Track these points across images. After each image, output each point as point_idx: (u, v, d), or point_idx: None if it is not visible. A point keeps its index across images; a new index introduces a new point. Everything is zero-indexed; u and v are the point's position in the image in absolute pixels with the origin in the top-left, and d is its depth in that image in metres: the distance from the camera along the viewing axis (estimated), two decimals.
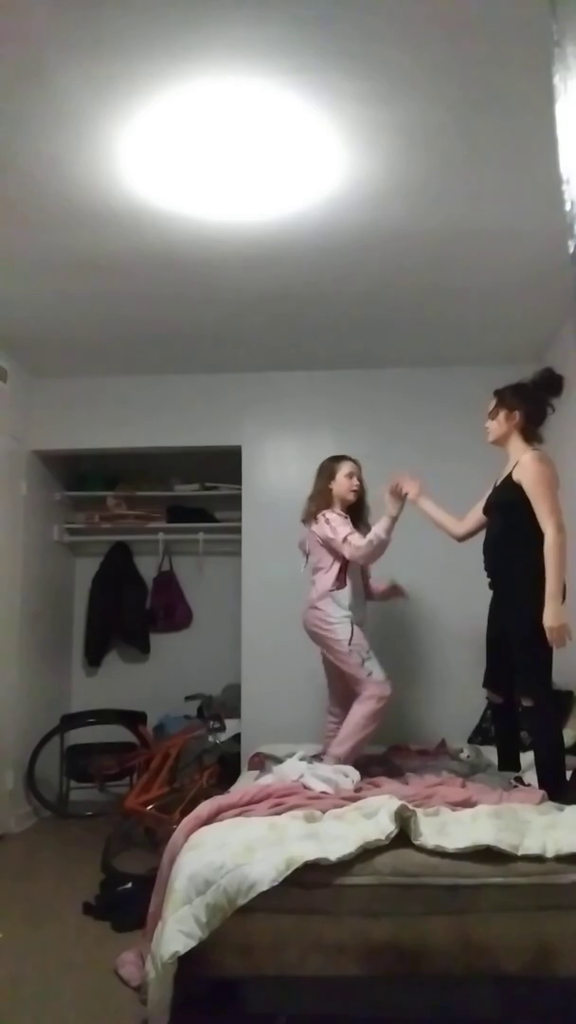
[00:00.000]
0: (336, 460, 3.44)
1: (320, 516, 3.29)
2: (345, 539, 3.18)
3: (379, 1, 1.97)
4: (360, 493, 3.41)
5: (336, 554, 3.25)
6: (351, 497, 3.38)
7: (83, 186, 2.72)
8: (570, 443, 4.13)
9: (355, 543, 3.17)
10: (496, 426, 2.96)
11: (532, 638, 2.63)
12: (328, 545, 3.27)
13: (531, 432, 2.92)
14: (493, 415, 2.98)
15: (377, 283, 3.54)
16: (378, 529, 3.14)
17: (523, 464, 2.78)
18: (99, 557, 5.31)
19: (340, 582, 3.25)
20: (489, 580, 2.93)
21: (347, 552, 3.18)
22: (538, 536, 2.69)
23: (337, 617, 3.20)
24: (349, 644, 3.15)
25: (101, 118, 2.37)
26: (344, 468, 3.39)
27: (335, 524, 3.23)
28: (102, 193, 2.76)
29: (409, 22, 2.03)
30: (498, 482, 2.96)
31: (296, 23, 2.02)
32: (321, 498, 3.35)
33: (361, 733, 3.08)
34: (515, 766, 2.92)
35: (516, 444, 2.90)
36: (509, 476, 2.84)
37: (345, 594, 3.25)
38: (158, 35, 2.05)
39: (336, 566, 3.26)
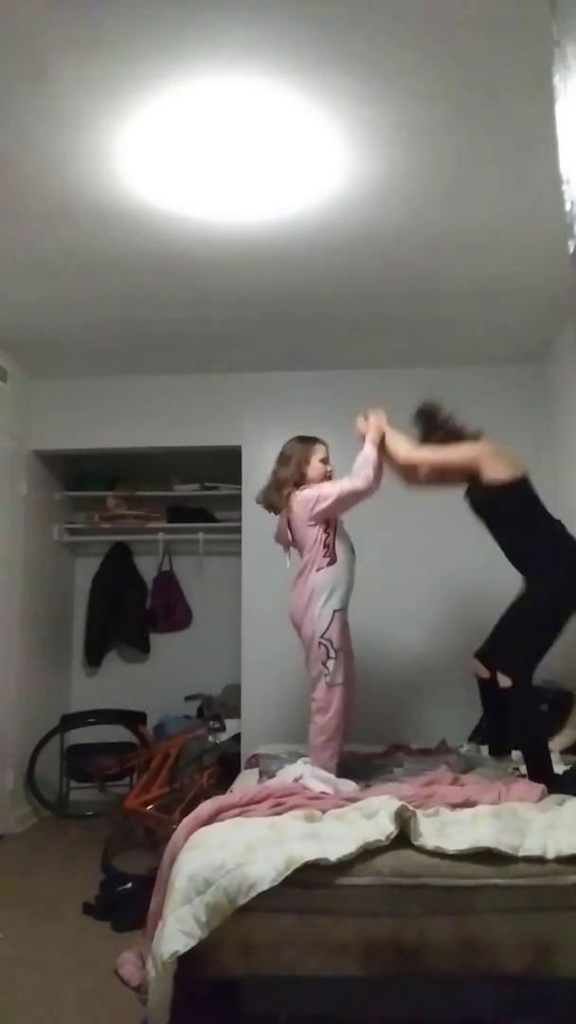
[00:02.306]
0: (307, 442, 3.18)
1: (294, 496, 3.05)
2: (342, 487, 2.97)
3: (379, 1, 1.97)
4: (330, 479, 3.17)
5: (318, 524, 3.01)
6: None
7: (83, 186, 2.72)
8: (570, 446, 4.13)
9: (356, 482, 2.96)
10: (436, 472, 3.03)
11: (539, 618, 2.69)
12: (313, 515, 3.00)
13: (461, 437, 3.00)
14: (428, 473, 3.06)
15: (377, 283, 3.54)
16: (367, 454, 3.01)
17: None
18: (99, 557, 5.31)
19: (329, 558, 2.99)
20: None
21: (358, 484, 2.96)
22: (540, 518, 2.83)
23: (320, 604, 2.96)
24: (322, 636, 2.93)
25: (100, 118, 2.37)
26: (319, 452, 3.15)
27: (322, 489, 3.00)
28: (102, 193, 2.77)
29: (409, 22, 2.03)
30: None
31: (296, 23, 2.02)
32: (293, 485, 3.09)
33: (327, 748, 2.89)
34: (505, 751, 2.91)
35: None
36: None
37: (335, 571, 2.99)
38: (158, 35, 2.05)
39: (321, 540, 3.00)
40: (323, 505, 2.99)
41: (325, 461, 3.16)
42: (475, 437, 3.00)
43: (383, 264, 3.35)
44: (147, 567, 5.35)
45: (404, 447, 3.00)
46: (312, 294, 3.64)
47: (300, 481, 3.11)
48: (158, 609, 5.26)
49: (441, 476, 3.05)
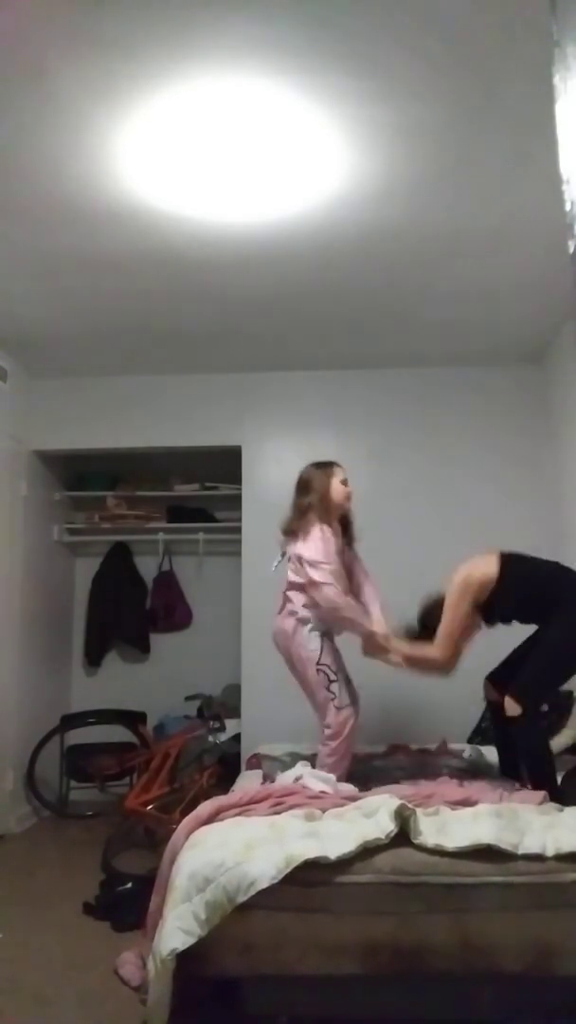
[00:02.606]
0: (325, 467, 3.18)
1: (316, 530, 2.98)
2: (320, 584, 2.91)
3: (379, 1, 1.97)
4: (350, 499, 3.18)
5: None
6: (348, 505, 3.16)
7: (83, 186, 2.72)
8: (570, 446, 4.13)
9: (331, 596, 2.90)
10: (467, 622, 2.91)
11: (556, 653, 2.72)
12: (297, 558, 3.00)
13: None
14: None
15: (377, 283, 3.54)
16: (358, 617, 2.98)
17: (452, 580, 2.90)
18: (99, 557, 5.31)
19: (314, 602, 3.00)
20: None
21: (316, 595, 2.92)
22: (541, 575, 2.86)
23: (306, 631, 2.98)
24: (318, 663, 2.95)
25: (101, 118, 2.38)
26: (338, 474, 3.15)
27: (319, 567, 2.93)
28: (102, 193, 2.77)
29: (409, 22, 2.03)
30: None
31: (296, 23, 2.03)
32: (319, 511, 3.04)
33: (338, 767, 2.89)
34: (516, 772, 2.91)
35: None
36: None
37: (320, 613, 3.00)
38: (158, 35, 2.05)
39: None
40: (308, 567, 2.94)
41: (345, 482, 3.16)
42: (447, 600, 2.91)
43: (383, 264, 3.35)
44: (147, 567, 5.35)
45: (434, 651, 2.86)
46: (312, 294, 3.64)
47: (327, 505, 3.08)
48: (158, 609, 5.25)
49: (469, 630, 2.93)
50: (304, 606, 3.00)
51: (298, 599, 3.03)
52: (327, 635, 3.01)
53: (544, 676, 2.75)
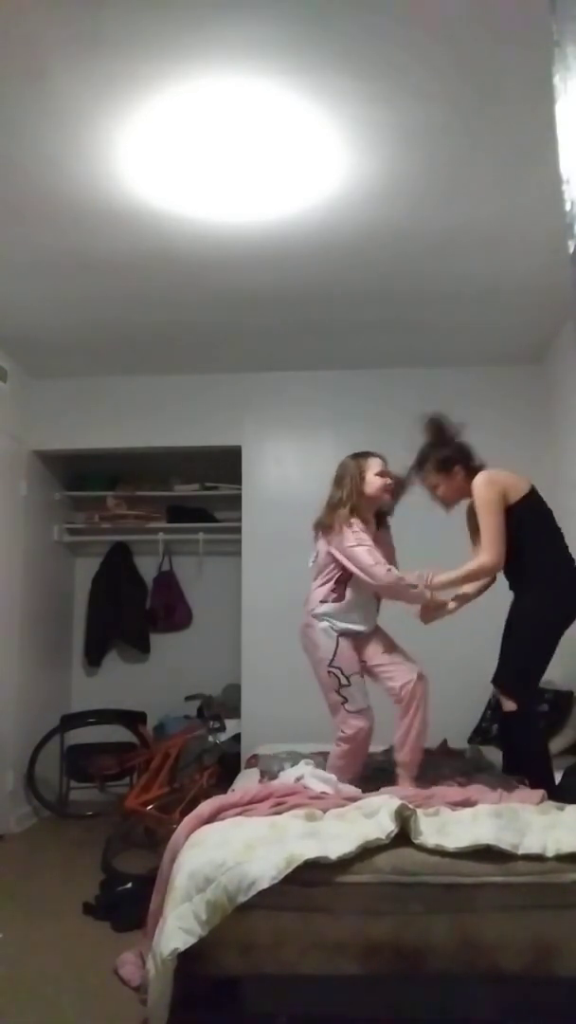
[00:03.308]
0: (361, 457, 3.04)
1: (345, 528, 2.86)
2: (368, 567, 2.81)
3: (379, 1, 1.97)
4: (392, 491, 3.01)
5: (338, 564, 2.90)
6: (386, 498, 2.99)
7: (83, 186, 2.73)
8: (570, 446, 4.13)
9: (380, 575, 2.79)
10: (448, 491, 2.96)
11: (528, 632, 2.69)
12: (333, 556, 2.91)
13: (472, 466, 2.95)
14: (436, 487, 2.98)
15: (377, 283, 3.54)
16: (411, 582, 2.86)
17: (473, 487, 2.86)
18: (99, 557, 5.31)
19: (337, 594, 2.91)
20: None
21: (369, 580, 2.83)
22: (521, 541, 2.80)
23: (323, 629, 2.88)
24: (330, 663, 2.83)
25: (101, 118, 2.38)
26: (373, 466, 2.99)
27: (361, 550, 2.83)
28: (102, 193, 2.77)
29: (409, 22, 2.03)
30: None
31: (296, 23, 2.03)
32: (351, 505, 2.90)
33: (347, 771, 2.83)
34: (519, 769, 2.91)
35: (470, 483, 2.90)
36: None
37: (340, 608, 2.90)
38: (158, 35, 2.05)
39: (335, 576, 2.92)
40: (345, 559, 2.86)
41: (383, 474, 2.99)
42: (477, 466, 2.94)
43: (383, 264, 3.35)
44: (147, 567, 5.35)
45: (483, 557, 2.79)
46: (312, 294, 3.64)
47: (359, 498, 2.94)
48: (158, 609, 5.26)
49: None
50: (322, 602, 2.91)
51: (317, 595, 2.94)
52: (346, 635, 2.89)
53: (523, 662, 2.72)
